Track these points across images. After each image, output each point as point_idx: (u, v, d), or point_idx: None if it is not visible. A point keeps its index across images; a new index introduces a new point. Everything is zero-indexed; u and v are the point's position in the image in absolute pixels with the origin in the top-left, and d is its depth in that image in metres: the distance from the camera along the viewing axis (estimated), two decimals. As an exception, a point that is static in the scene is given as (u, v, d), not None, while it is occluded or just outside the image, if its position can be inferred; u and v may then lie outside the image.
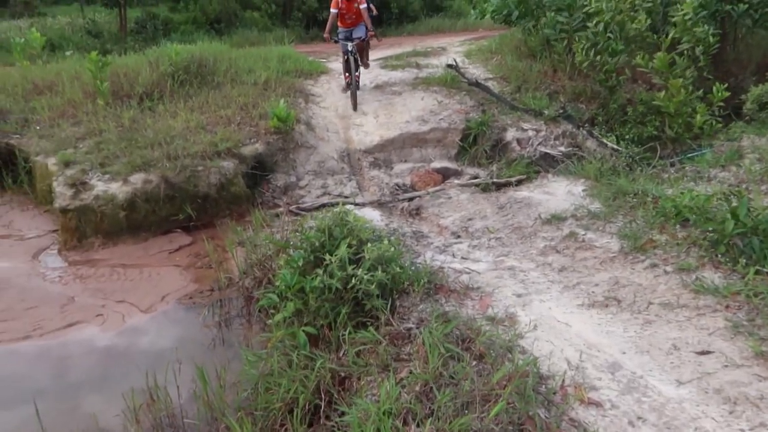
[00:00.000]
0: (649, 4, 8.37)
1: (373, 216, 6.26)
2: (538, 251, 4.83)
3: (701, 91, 8.18)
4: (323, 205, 7.17)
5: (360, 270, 4.00)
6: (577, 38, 9.30)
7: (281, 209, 7.10)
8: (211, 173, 6.91)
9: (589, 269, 4.40)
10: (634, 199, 5.40)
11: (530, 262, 4.68)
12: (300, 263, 4.29)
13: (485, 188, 7.43)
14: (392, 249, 4.21)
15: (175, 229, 6.77)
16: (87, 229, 6.45)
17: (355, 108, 9.30)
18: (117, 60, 10.03)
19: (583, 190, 6.00)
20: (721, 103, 8.08)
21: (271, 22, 20.43)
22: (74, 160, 6.93)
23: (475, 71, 10.99)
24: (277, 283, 4.29)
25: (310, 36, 19.23)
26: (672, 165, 7.79)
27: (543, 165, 8.30)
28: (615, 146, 8.55)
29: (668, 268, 4.22)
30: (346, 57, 9.37)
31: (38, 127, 8.16)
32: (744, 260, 4.07)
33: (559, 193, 6.06)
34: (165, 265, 6.10)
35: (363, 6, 9.19)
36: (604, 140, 8.68)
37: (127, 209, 6.47)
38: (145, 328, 4.99)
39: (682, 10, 8.01)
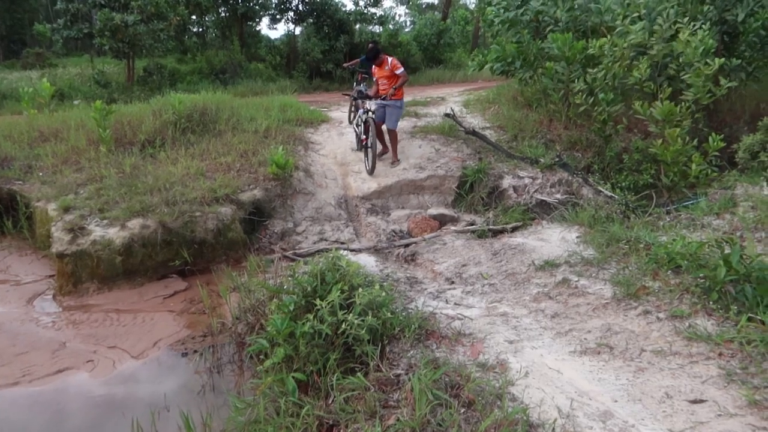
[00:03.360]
0: (653, 52, 8.51)
1: (368, 262, 6.25)
2: (531, 297, 4.80)
3: (696, 140, 8.26)
4: (319, 251, 7.18)
5: (351, 315, 3.97)
6: (575, 83, 9.45)
7: (277, 255, 7.11)
8: (209, 219, 6.95)
9: (581, 316, 4.35)
10: (627, 246, 5.38)
11: (523, 308, 4.64)
12: (291, 308, 4.26)
13: (481, 234, 7.44)
14: (383, 294, 4.19)
15: (171, 274, 6.77)
16: (83, 274, 6.43)
17: (371, 173, 8.91)
18: (122, 108, 10.23)
19: (577, 237, 5.99)
20: (717, 153, 8.15)
21: (275, 72, 20.87)
22: (74, 206, 6.98)
23: (473, 120, 11.15)
24: (268, 329, 4.24)
25: (313, 86, 19.61)
26: (668, 213, 7.80)
27: (539, 212, 8.34)
28: (610, 193, 8.58)
29: (661, 315, 4.17)
30: (364, 119, 9.01)
31: (41, 174, 8.25)
32: (736, 307, 4.03)
33: (553, 239, 6.06)
34: (159, 310, 6.06)
35: (400, 71, 8.86)
36: (600, 187, 8.72)
37: (124, 254, 6.47)
38: (135, 375, 4.92)
39: (688, 58, 8.11)
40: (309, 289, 4.41)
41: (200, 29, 24.39)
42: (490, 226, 7.68)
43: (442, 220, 8.10)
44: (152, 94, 15.07)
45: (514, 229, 7.65)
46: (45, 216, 7.20)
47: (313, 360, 4.01)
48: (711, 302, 4.18)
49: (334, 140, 10.16)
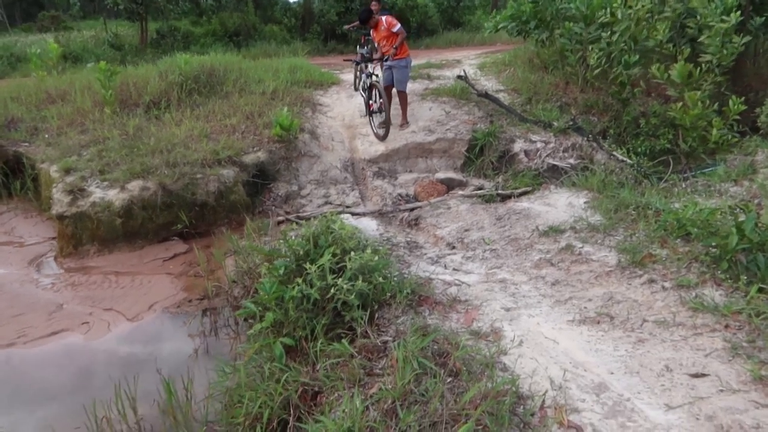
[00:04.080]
0: (669, 13, 8.09)
1: (369, 226, 6.08)
2: (533, 264, 4.59)
3: (717, 104, 7.87)
4: (322, 215, 7.01)
5: (341, 280, 3.81)
6: (591, 49, 9.05)
7: (275, 218, 6.97)
8: (210, 181, 6.81)
9: (583, 284, 4.15)
10: (636, 212, 5.13)
11: (523, 274, 4.44)
12: (281, 272, 4.11)
13: (489, 199, 7.21)
14: (376, 258, 4.02)
15: (172, 236, 6.67)
16: (83, 236, 6.37)
17: (383, 138, 8.54)
18: (129, 70, 10.05)
19: (585, 202, 5.74)
20: (738, 117, 7.76)
21: (290, 35, 20.51)
22: (75, 167, 6.89)
23: (487, 83, 10.80)
24: (259, 293, 4.12)
25: (328, 49, 19.25)
26: (685, 180, 7.48)
27: (550, 177, 8.05)
28: (625, 159, 8.26)
29: (666, 284, 3.95)
30: (369, 83, 8.72)
31: (47, 135, 8.18)
32: (747, 278, 3.79)
33: (560, 204, 5.81)
34: (158, 273, 5.98)
35: (396, 28, 8.35)
36: (615, 153, 8.39)
37: (124, 216, 6.38)
38: (129, 337, 4.86)
39: (706, 18, 7.69)
40: (301, 252, 4.26)
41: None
42: (499, 191, 7.44)
43: (449, 185, 7.87)
44: (164, 57, 14.91)
45: (522, 194, 7.40)
46: (48, 178, 7.13)
47: (301, 325, 3.88)
48: (720, 272, 3.95)
49: (344, 102, 9.91)
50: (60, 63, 12.88)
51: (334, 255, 4.07)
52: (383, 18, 8.52)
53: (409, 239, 5.65)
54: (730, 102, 7.72)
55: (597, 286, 4.09)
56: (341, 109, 9.63)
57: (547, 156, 8.28)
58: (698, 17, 8.02)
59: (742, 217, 4.23)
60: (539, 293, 4.12)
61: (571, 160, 8.26)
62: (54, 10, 23.91)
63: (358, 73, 10.32)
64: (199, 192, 6.71)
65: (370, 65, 8.76)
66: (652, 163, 8.24)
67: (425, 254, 5.17)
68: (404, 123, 8.74)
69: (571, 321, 3.72)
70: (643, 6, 8.20)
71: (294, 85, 10.23)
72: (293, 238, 4.50)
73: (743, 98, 7.82)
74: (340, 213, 6.90)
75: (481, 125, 8.80)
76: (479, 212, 5.92)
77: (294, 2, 25.41)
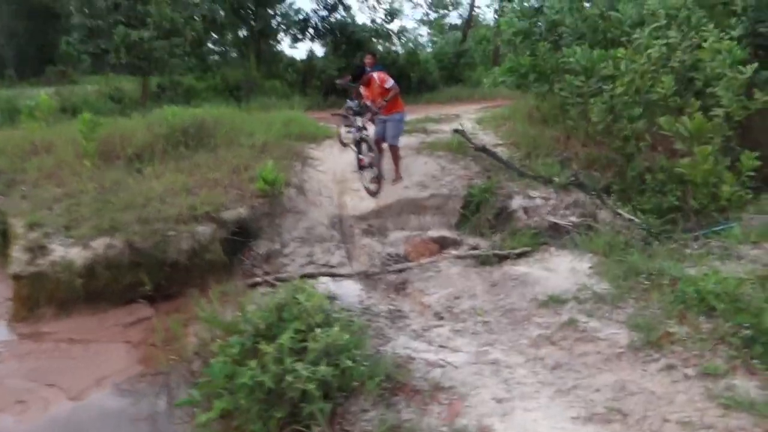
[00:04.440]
0: (676, 64, 7.61)
1: (351, 291, 5.44)
2: (530, 341, 3.91)
3: (728, 159, 7.29)
4: (304, 276, 6.38)
5: (300, 364, 3.15)
6: (593, 102, 8.56)
7: (257, 279, 6.35)
8: (183, 239, 6.21)
9: (589, 368, 3.46)
10: (649, 280, 4.47)
11: (519, 355, 3.76)
12: (236, 351, 3.45)
13: (484, 260, 6.56)
14: (345, 336, 3.36)
15: (138, 299, 6.01)
16: (40, 298, 5.74)
17: (375, 194, 7.93)
18: (117, 122, 9.61)
19: (590, 267, 5.08)
20: (751, 173, 7.16)
21: (291, 90, 20.31)
22: (41, 223, 6.31)
23: (485, 137, 10.32)
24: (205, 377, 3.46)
25: (328, 103, 18.98)
26: (695, 239, 6.84)
27: (551, 236, 7.42)
28: (631, 216, 7.64)
29: (689, 372, 3.27)
30: (359, 137, 8.29)
31: (23, 188, 7.64)
32: (787, 365, 3.11)
33: (562, 269, 5.15)
34: (116, 340, 5.32)
35: (389, 84, 8.01)
36: (619, 210, 7.78)
37: (86, 276, 5.76)
38: (66, 420, 4.16)
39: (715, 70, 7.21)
40: (263, 326, 3.61)
41: (221, 47, 24.04)
42: (495, 251, 6.80)
43: (443, 244, 7.25)
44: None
45: (520, 255, 6.75)
46: (14, 233, 6.55)
47: (253, 418, 3.19)
48: (754, 357, 3.26)
49: (335, 156, 9.41)
50: (53, 115, 12.60)
51: (297, 332, 3.42)
52: (375, 74, 8.13)
53: (392, 307, 4.99)
54: (743, 157, 7.14)
55: (606, 372, 3.40)
56: (332, 163, 9.11)
57: (547, 213, 7.68)
58: (707, 69, 7.54)
59: (772, 289, 3.58)
60: (537, 380, 3.43)
61: (573, 218, 7.66)
62: (63, 66, 23.95)
63: (344, 127, 9.82)
64: (170, 250, 6.10)
65: (359, 119, 8.28)
66: (660, 221, 7.62)
67: (409, 326, 4.50)
68: (398, 178, 8.18)
69: (576, 418, 3.03)
70: (650, 57, 7.71)
71: (286, 138, 9.76)
72: (256, 308, 3.84)
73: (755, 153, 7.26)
74: (321, 275, 6.30)
75: (478, 181, 8.24)
76: (472, 277, 5.27)
77: (298, 59, 25.52)
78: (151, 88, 18.14)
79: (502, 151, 9.43)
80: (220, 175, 7.78)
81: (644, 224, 7.39)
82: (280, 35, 25.29)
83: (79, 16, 16.55)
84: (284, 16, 21.87)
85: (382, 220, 7.80)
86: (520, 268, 5.30)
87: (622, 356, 3.51)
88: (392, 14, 22.21)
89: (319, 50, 24.18)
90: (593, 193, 8.05)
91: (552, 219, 7.58)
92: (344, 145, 9.61)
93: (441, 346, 4.02)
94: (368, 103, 8.21)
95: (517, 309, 4.44)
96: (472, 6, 27.61)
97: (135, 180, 7.40)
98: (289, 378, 3.08)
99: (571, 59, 8.79)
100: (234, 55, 24.07)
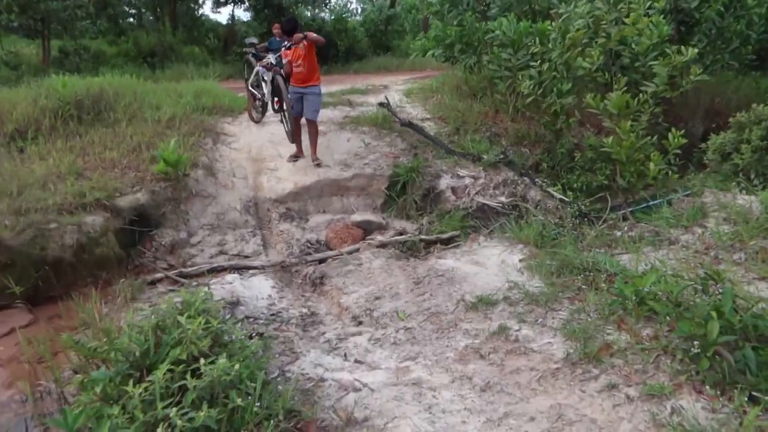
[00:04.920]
0: (603, 40, 7.26)
1: (261, 289, 4.81)
2: (457, 355, 3.44)
3: (655, 137, 7.06)
4: (212, 269, 5.72)
5: (175, 410, 2.53)
6: (521, 77, 8.15)
7: (158, 275, 5.62)
8: (67, 232, 5.37)
9: (522, 390, 3.02)
10: (583, 276, 4.09)
11: (444, 372, 3.28)
12: (99, 390, 2.79)
13: (411, 246, 6.10)
14: (236, 368, 2.75)
15: (15, 303, 5.16)
16: None
17: (292, 141, 7.73)
18: (-2, 93, 8.42)
19: (521, 261, 4.66)
20: (677, 151, 6.96)
21: (211, 57, 19.01)
22: None
23: (413, 111, 9.77)
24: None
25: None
26: (624, 219, 6.62)
27: (480, 218, 7.03)
28: (561, 196, 7.35)
29: (632, 392, 2.88)
30: (271, 79, 8.07)
31: None
32: (734, 380, 2.76)
33: (491, 263, 4.70)
34: (-21, 357, 4.49)
35: (314, 35, 7.26)
36: (550, 190, 7.47)
37: (-61, 280, 4.86)
38: None
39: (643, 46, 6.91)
40: (137, 354, 2.96)
41: (135, 9, 22.28)
42: (421, 236, 6.33)
43: (367, 228, 6.71)
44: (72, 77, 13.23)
45: (449, 241, 6.32)
46: None
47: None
48: (700, 373, 2.90)
49: (253, 132, 8.62)
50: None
51: (178, 362, 2.79)
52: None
53: (306, 310, 4.40)
54: (670, 135, 6.92)
55: (541, 394, 2.97)
56: (249, 139, 8.33)
57: (476, 193, 7.28)
58: (633, 45, 7.24)
59: (714, 289, 3.24)
60: (464, 405, 2.95)
61: (503, 198, 7.29)
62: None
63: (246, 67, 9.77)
64: (51, 246, 5.26)
65: (270, 55, 8.36)
66: (589, 200, 7.37)
67: (323, 334, 3.94)
68: (316, 159, 7.51)
69: (509, 457, 2.57)
70: (577, 30, 7.33)
71: (197, 111, 8.86)
72: (132, 326, 3.17)
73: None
74: (231, 268, 5.64)
75: (404, 159, 7.71)
76: (395, 272, 4.75)
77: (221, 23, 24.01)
78: (54, 53, 16.49)
79: (429, 126, 8.92)
80: (118, 155, 6.91)
81: (575, 204, 7.12)
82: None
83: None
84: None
85: (302, 203, 7.16)
86: (447, 261, 4.82)
87: (558, 373, 3.09)
88: (318, -22, 21.12)
89: (244, 16, 22.91)
90: (523, 171, 7.70)
91: (481, 200, 7.18)
92: (255, 120, 8.88)
93: (357, 362, 3.49)
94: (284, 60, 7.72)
95: (443, 312, 3.96)
96: (400, -29, 26.71)
97: (12, 162, 6.41)
98: (160, 430, 2.47)
99: (497, 31, 8.32)
100: (151, 18, 22.39)
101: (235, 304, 4.18)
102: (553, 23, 7.70)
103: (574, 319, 3.59)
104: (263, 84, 8.50)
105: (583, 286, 3.96)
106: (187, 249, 6.20)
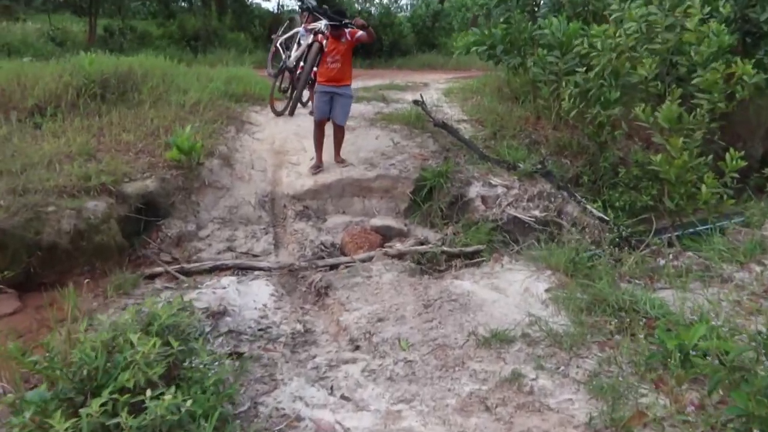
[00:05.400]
0: (657, 46, 6.57)
1: (259, 297, 4.36)
2: (459, 403, 2.91)
3: (709, 157, 6.34)
4: (215, 267, 5.31)
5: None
6: (565, 83, 7.49)
7: (157, 269, 5.24)
8: (64, 217, 5.02)
9: (531, 459, 2.47)
10: (618, 318, 3.49)
11: (440, 425, 2.75)
12: (29, 414, 2.36)
13: (431, 258, 5.57)
14: (188, 403, 2.29)
15: (7, 287, 4.84)
16: None
17: (291, 113, 7.75)
18: (23, 66, 8.19)
19: (547, 290, 4.08)
20: (735, 174, 6.22)
21: (254, 44, 18.73)
22: None
23: (449, 111, 9.22)
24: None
25: (292, 61, 17.56)
26: (670, 245, 5.97)
27: (510, 232, 6.46)
28: (601, 214, 6.70)
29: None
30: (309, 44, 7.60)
31: None
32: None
33: (513, 290, 4.13)
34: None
35: (359, 34, 6.66)
36: (589, 206, 6.82)
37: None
38: None
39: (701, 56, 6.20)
40: (84, 373, 2.53)
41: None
42: (444, 248, 5.80)
43: (387, 234, 6.21)
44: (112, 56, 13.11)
45: (473, 255, 5.77)
46: None
47: None
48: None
49: (279, 122, 8.21)
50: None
51: (122, 390, 2.35)
52: (347, 30, 6.72)
53: (301, 326, 3.93)
54: (728, 155, 6.18)
55: (553, 468, 2.41)
56: (275, 130, 7.91)
57: (507, 205, 6.69)
58: (691, 53, 6.51)
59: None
60: (460, 474, 2.42)
61: (537, 212, 6.69)
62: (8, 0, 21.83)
63: (281, 47, 8.96)
64: (46, 231, 4.91)
65: (323, 22, 7.45)
66: (631, 221, 6.71)
67: (313, 358, 3.46)
68: (340, 160, 6.99)
69: None
70: (628, 35, 6.64)
71: (224, 97, 8.51)
72: (86, 340, 2.73)
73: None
74: (234, 268, 5.23)
75: (434, 162, 7.17)
76: (405, 290, 4.23)
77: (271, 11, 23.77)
78: (99, 32, 16.46)
79: (465, 129, 8.36)
80: (134, 138, 6.57)
81: (616, 225, 6.48)
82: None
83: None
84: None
85: (321, 202, 6.70)
86: (464, 283, 4.26)
87: (579, 442, 2.55)
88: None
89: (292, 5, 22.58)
90: (561, 184, 7.06)
91: (513, 212, 6.59)
92: (277, 113, 8.40)
93: (344, 398, 2.99)
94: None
95: (450, 345, 3.43)
96: (452, -33, 25.99)
97: (24, 138, 6.13)
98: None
99: (546, 31, 7.66)
100: (200, 3, 22.27)
101: (220, 314, 3.75)
102: (604, 26, 7.01)
103: (603, 371, 3.01)
104: (295, 46, 8.05)
105: (617, 332, 3.37)
106: (194, 242, 5.81)
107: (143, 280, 5.06)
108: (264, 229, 6.13)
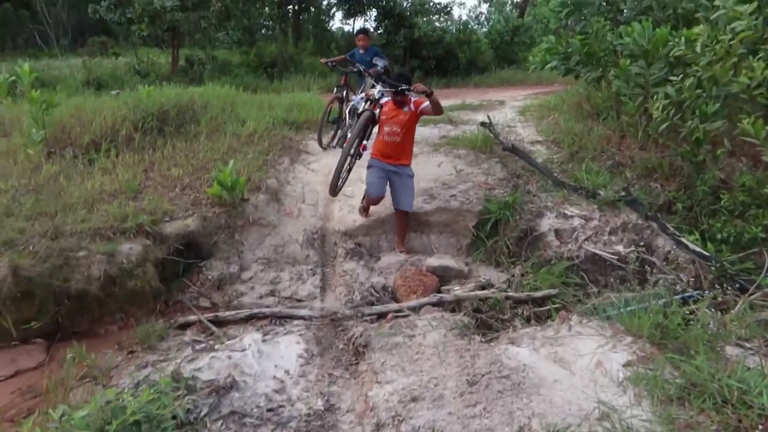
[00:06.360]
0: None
1: (284, 359, 3.77)
2: None
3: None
4: (252, 316, 4.82)
5: None
6: (654, 95, 6.49)
7: (191, 317, 4.81)
8: (95, 262, 4.69)
9: None
10: (721, 413, 2.60)
11: None
12: None
13: (494, 305, 4.81)
14: None
15: (34, 338, 4.57)
16: None
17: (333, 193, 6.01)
18: (86, 101, 8.19)
19: (626, 366, 3.19)
20: None
21: (331, 68, 18.60)
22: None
23: (523, 132, 8.40)
24: None
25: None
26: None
27: (589, 271, 5.57)
28: (700, 249, 5.65)
29: None
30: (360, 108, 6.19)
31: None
32: None
33: (581, 365, 3.27)
34: (-30, 406, 3.88)
35: (425, 105, 5.49)
36: (684, 239, 5.78)
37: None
38: None
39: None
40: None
41: (267, 21, 22.50)
42: (509, 293, 5.01)
43: (444, 276, 5.49)
44: (191, 86, 13.30)
45: (543, 301, 4.95)
46: None
47: None
48: None
49: (337, 151, 7.69)
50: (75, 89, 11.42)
51: None
52: (413, 97, 5.55)
53: (323, 402, 3.29)
54: None
55: None
56: (331, 160, 7.38)
57: (586, 239, 5.80)
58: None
59: None
60: None
61: (620, 248, 5.75)
62: (105, 36, 23.02)
63: (344, 105, 7.91)
64: (75, 278, 4.60)
65: (378, 87, 5.92)
66: (738, 256, 5.61)
67: (326, 452, 2.82)
68: (402, 249, 5.88)
69: None
70: (738, 33, 5.55)
71: (284, 126, 8.15)
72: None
73: None
74: (272, 316, 4.72)
75: (501, 191, 6.38)
76: (449, 357, 3.49)
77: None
78: (181, 62, 16.89)
79: (539, 151, 7.51)
80: (183, 172, 6.27)
81: (717, 260, 5.44)
82: (333, 10, 23.70)
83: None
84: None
85: (375, 238, 6.10)
86: (521, 351, 3.45)
87: None
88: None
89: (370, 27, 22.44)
90: (649, 214, 6.06)
91: (592, 248, 5.69)
92: (323, 147, 7.83)
93: None
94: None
95: (495, 444, 2.68)
96: (532, -20, 24.92)
97: (71, 177, 5.95)
98: None
99: (628, 38, 6.68)
100: (278, 30, 22.60)
101: (227, 389, 3.19)
102: (701, 27, 5.97)
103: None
104: (349, 113, 7.23)
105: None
106: (237, 285, 5.37)
107: (174, 330, 4.64)
108: (311, 269, 5.60)
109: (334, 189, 5.85)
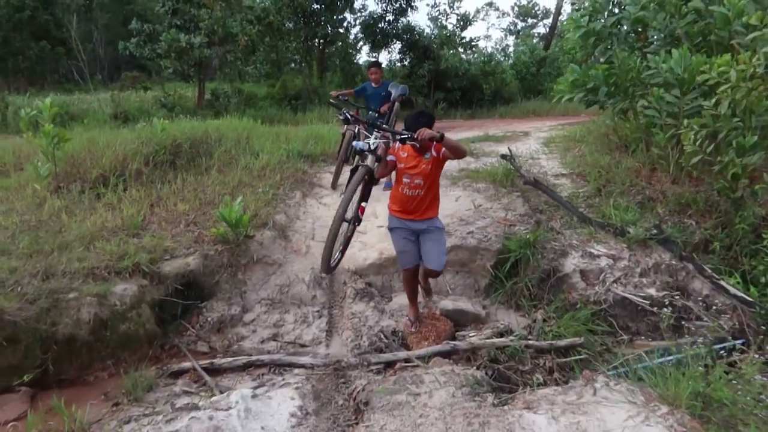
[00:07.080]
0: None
1: (275, 418, 3.37)
2: None
3: None
4: (248, 364, 4.45)
5: None
6: (687, 125, 6.03)
7: (185, 364, 4.45)
8: (84, 305, 4.38)
9: None
10: None
11: None
12: None
13: (514, 353, 4.36)
14: None
15: (17, 387, 4.25)
16: None
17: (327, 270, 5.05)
18: (99, 134, 8.05)
19: (661, 443, 2.72)
20: None
21: (355, 100, 18.52)
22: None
23: (547, 164, 7.99)
24: None
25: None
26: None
27: (618, 316, 5.07)
28: (740, 293, 5.11)
29: None
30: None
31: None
32: None
33: (607, 440, 2.80)
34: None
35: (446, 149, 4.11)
36: (723, 282, 5.26)
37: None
38: None
39: None
40: None
41: (293, 54, 22.66)
42: (530, 340, 4.55)
43: (459, 320, 5.06)
44: (216, 118, 13.26)
45: (567, 351, 4.47)
46: None
47: None
48: None
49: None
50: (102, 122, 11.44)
51: None
52: (433, 149, 4.20)
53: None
54: None
55: None
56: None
57: (614, 281, 5.31)
58: None
59: None
60: None
61: (652, 290, 5.25)
62: (138, 71, 23.47)
63: (349, 145, 7.16)
64: (63, 321, 4.29)
65: (373, 137, 4.90)
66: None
67: None
68: (427, 300, 5.31)
69: None
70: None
71: (299, 158, 7.88)
72: None
73: None
74: (271, 364, 4.35)
75: (522, 227, 5.94)
76: (456, 423, 3.03)
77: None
78: (207, 96, 16.97)
79: (564, 185, 7.08)
80: (189, 207, 5.99)
81: (760, 305, 4.91)
82: (360, 44, 23.79)
83: (137, 20, 15.59)
84: (341, 21, 20.00)
85: (387, 277, 5.71)
86: (537, 419, 2.96)
87: None
88: (465, 21, 19.89)
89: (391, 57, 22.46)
90: (684, 253, 5.55)
91: (621, 291, 5.18)
92: (334, 187, 7.36)
93: None
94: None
95: None
96: (557, 12, 24.71)
97: (74, 212, 5.71)
98: None
99: (663, 65, 6.25)
100: (303, 63, 22.74)
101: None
102: (738, 56, 5.53)
103: None
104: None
105: None
106: (238, 328, 5.00)
107: (165, 379, 4.28)
108: (318, 311, 5.21)
109: (327, 264, 4.77)
